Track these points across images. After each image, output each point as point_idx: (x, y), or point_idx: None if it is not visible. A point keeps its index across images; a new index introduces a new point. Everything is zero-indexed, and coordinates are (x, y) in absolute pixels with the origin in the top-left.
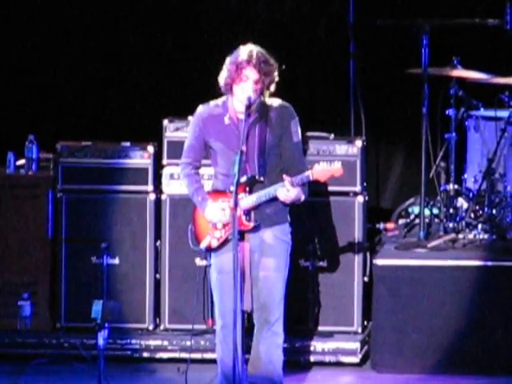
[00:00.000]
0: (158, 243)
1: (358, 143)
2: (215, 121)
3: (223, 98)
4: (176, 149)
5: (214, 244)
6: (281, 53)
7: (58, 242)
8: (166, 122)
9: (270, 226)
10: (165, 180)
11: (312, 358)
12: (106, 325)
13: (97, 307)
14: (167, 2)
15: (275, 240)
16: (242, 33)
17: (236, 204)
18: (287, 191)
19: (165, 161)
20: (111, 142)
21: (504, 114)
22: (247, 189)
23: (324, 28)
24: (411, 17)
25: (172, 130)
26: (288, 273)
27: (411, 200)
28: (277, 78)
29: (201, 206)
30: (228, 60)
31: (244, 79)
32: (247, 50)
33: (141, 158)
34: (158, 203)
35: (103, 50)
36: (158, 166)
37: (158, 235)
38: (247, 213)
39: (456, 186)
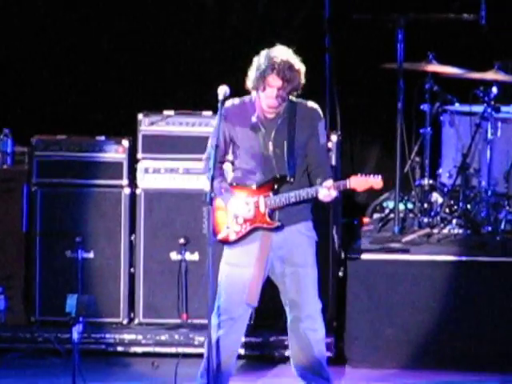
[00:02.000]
0: (132, 237)
1: (333, 138)
2: (242, 118)
3: (251, 96)
4: (151, 143)
5: (233, 237)
6: (256, 47)
7: (33, 235)
8: (140, 116)
9: (294, 223)
10: (139, 174)
11: (286, 353)
12: (81, 319)
13: (71, 301)
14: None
15: (300, 236)
16: (216, 27)
17: (211, 200)
18: (330, 193)
19: (139, 155)
20: (86, 136)
21: (479, 109)
22: (275, 188)
23: (299, 22)
24: (386, 11)
25: (147, 125)
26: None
27: (386, 195)
28: (303, 81)
29: (224, 198)
30: (255, 62)
31: (267, 86)
32: (271, 56)
33: (115, 152)
34: (132, 197)
35: (78, 44)
36: (132, 160)
37: (132, 229)
38: (272, 211)
39: (431, 181)
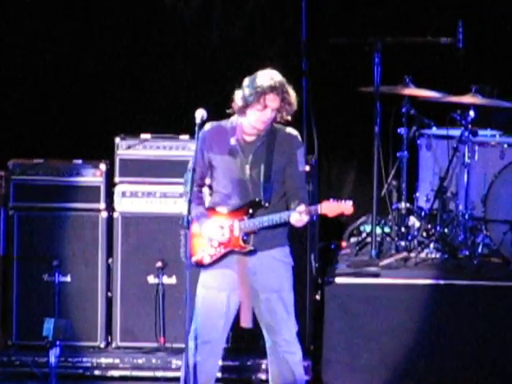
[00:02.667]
0: (110, 261)
1: (310, 161)
2: (221, 140)
3: (233, 119)
4: (128, 167)
5: (207, 260)
6: (233, 70)
7: (10, 259)
8: (117, 139)
9: (269, 248)
10: (117, 198)
11: (263, 376)
12: (58, 343)
13: (48, 325)
14: (120, 20)
15: (274, 261)
16: (195, 51)
17: (188, 223)
18: (301, 218)
19: (117, 179)
20: (63, 159)
21: (456, 132)
22: (250, 212)
23: (276, 46)
24: (363, 35)
25: (124, 148)
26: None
27: (363, 218)
28: (294, 109)
29: (198, 221)
30: (248, 82)
31: (266, 106)
32: (270, 77)
33: (93, 176)
34: (110, 221)
35: (55, 67)
36: (110, 184)
37: (110, 253)
38: (246, 235)
39: (408, 205)
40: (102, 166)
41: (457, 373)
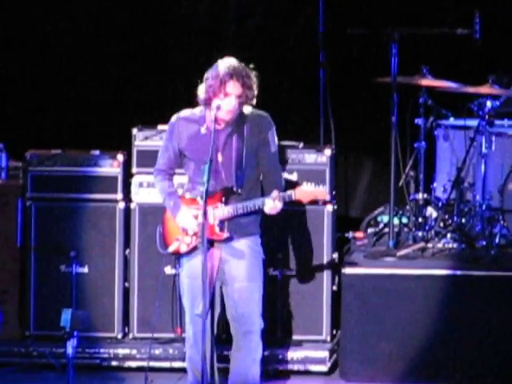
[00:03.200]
0: (127, 252)
1: (327, 152)
2: (191, 130)
3: (201, 108)
4: (145, 157)
5: (183, 249)
6: (251, 62)
7: (27, 250)
8: (135, 130)
9: (243, 237)
10: (134, 188)
11: (280, 367)
12: (75, 333)
13: (66, 316)
14: (137, 11)
15: (248, 250)
16: (213, 42)
17: (205, 212)
18: (275, 205)
19: (134, 169)
20: (81, 150)
21: (473, 123)
22: (223, 199)
23: (294, 37)
24: (381, 26)
25: (141, 139)
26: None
27: (380, 209)
28: (256, 93)
29: (172, 211)
30: (209, 74)
31: (228, 94)
32: (228, 64)
33: (110, 167)
34: (127, 212)
35: (73, 58)
36: (127, 175)
37: (127, 244)
38: (221, 223)
39: (425, 195)
40: (120, 157)
41: (474, 363)
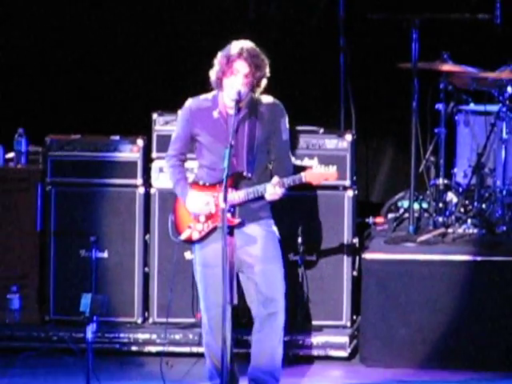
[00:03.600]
0: (147, 237)
1: (348, 137)
2: (204, 114)
3: (214, 93)
4: (165, 142)
5: (195, 236)
6: (271, 47)
7: (47, 235)
8: (155, 115)
9: (255, 221)
10: (154, 174)
11: (301, 352)
12: (95, 318)
13: (85, 301)
14: None
15: (263, 233)
16: (232, 27)
17: (226, 198)
18: (275, 191)
19: (154, 154)
20: (100, 135)
21: (494, 108)
22: (234, 184)
23: (314, 22)
24: (401, 11)
25: (161, 124)
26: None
27: (401, 194)
28: (268, 74)
29: (182, 197)
30: (219, 54)
31: (234, 72)
32: (238, 45)
33: (130, 152)
34: (147, 197)
35: (92, 44)
36: (147, 160)
37: (147, 229)
38: (232, 208)
39: (446, 181)
40: (140, 142)
41: (494, 348)
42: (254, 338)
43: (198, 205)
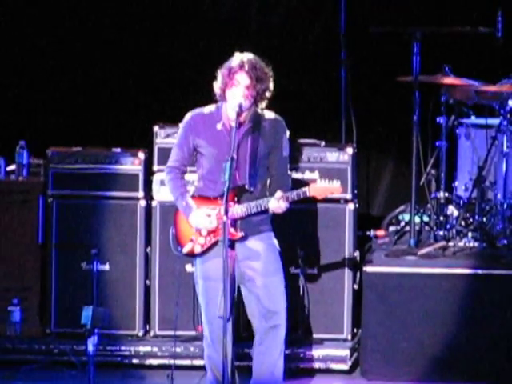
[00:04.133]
0: (148, 249)
1: (349, 150)
2: (207, 126)
3: (217, 105)
4: (166, 155)
5: (198, 250)
6: (272, 60)
7: (49, 247)
8: (156, 128)
9: (256, 234)
10: (155, 186)
11: (302, 365)
12: (96, 331)
13: (87, 313)
14: (158, 9)
15: (264, 246)
16: (234, 40)
17: (227, 211)
18: (279, 205)
19: (155, 167)
20: (102, 148)
21: (495, 121)
22: (236, 198)
23: (315, 36)
24: (402, 24)
25: (163, 137)
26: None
27: (402, 207)
28: (271, 88)
29: (185, 211)
30: (222, 66)
31: (236, 84)
32: (241, 57)
33: (131, 165)
34: (148, 209)
35: (93, 56)
36: (148, 173)
37: (148, 241)
38: (233, 222)
39: (446, 194)
40: (141, 155)
41: (495, 362)
42: (255, 350)
43: (202, 221)
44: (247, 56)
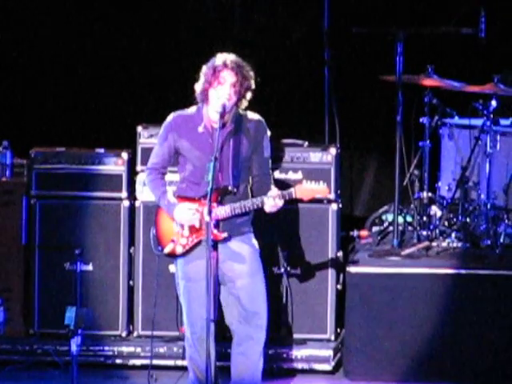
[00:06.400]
0: (131, 250)
1: (333, 151)
2: (189, 128)
3: (198, 106)
4: (150, 156)
5: (179, 250)
6: (255, 59)
7: (32, 248)
8: (139, 128)
9: (238, 235)
10: (139, 187)
11: (285, 366)
12: (80, 331)
13: (70, 314)
14: (142, 10)
15: (246, 247)
16: (217, 39)
17: (210, 212)
18: (275, 203)
19: (139, 167)
20: (85, 148)
21: (478, 122)
22: (219, 199)
23: (299, 35)
24: (386, 25)
25: (146, 137)
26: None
27: (385, 208)
28: (253, 87)
29: (168, 209)
30: (204, 67)
31: (222, 82)
32: (223, 56)
33: (115, 165)
34: (131, 210)
35: (77, 56)
36: (131, 173)
37: (131, 242)
38: (216, 223)
39: (430, 194)
40: (124, 155)
41: (478, 362)
42: (234, 351)
43: (186, 215)
44: (229, 55)
